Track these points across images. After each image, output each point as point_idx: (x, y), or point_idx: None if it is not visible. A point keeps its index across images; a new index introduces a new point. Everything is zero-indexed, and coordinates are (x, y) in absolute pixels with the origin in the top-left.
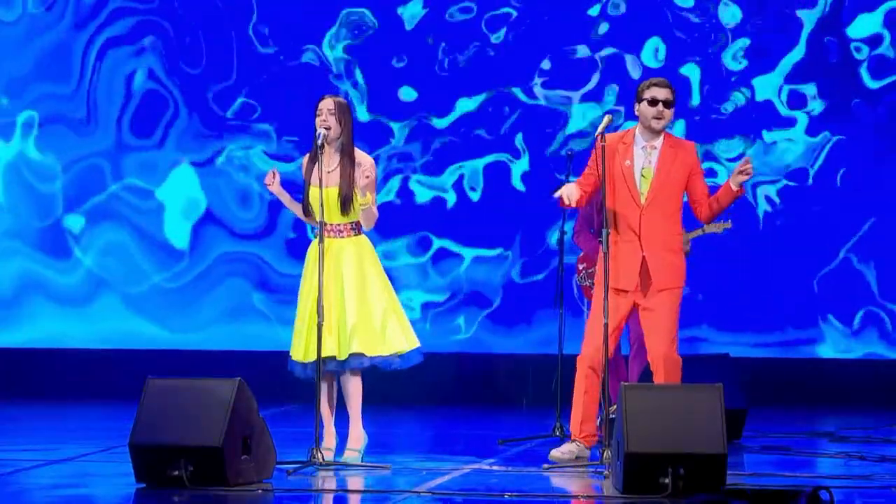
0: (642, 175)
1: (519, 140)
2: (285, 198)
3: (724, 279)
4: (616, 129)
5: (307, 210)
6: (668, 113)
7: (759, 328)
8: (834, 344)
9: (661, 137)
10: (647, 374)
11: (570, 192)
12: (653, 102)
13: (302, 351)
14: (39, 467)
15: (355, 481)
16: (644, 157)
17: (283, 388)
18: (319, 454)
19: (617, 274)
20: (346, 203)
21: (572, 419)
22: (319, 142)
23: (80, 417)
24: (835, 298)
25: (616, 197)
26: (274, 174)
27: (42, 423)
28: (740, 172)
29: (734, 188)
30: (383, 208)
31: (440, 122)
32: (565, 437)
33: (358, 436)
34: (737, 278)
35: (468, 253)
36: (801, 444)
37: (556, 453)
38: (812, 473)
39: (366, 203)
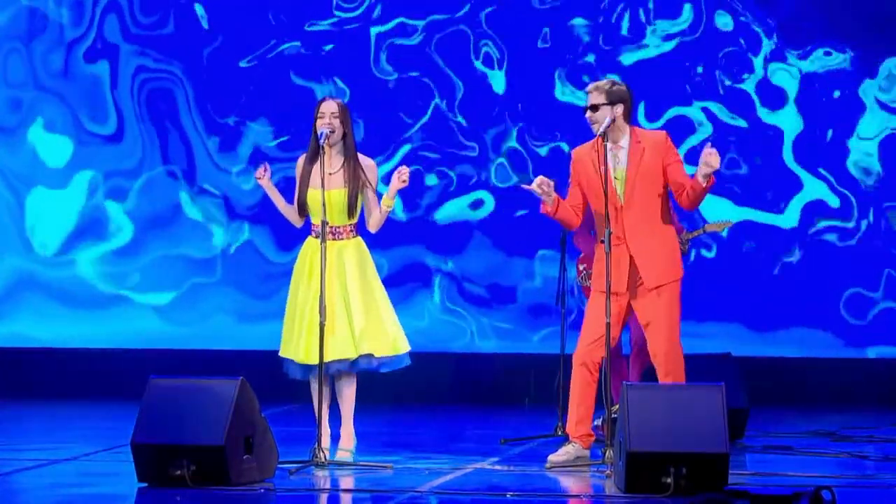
0: (615, 177)
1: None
2: (274, 194)
3: (728, 277)
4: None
5: (304, 210)
6: (597, 116)
7: (761, 327)
8: (836, 343)
9: (627, 136)
10: (647, 374)
11: (543, 184)
12: (585, 111)
13: (303, 352)
14: (41, 467)
15: (358, 481)
16: (613, 159)
17: (284, 387)
18: (322, 454)
19: (608, 277)
20: (353, 206)
21: (568, 420)
22: (322, 141)
23: (81, 417)
24: (838, 297)
25: (597, 203)
26: (265, 168)
27: (43, 422)
28: (705, 164)
29: (701, 182)
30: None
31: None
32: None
33: (349, 436)
34: (740, 276)
35: (469, 251)
36: (803, 444)
37: (553, 458)
38: (814, 473)
39: (390, 206)
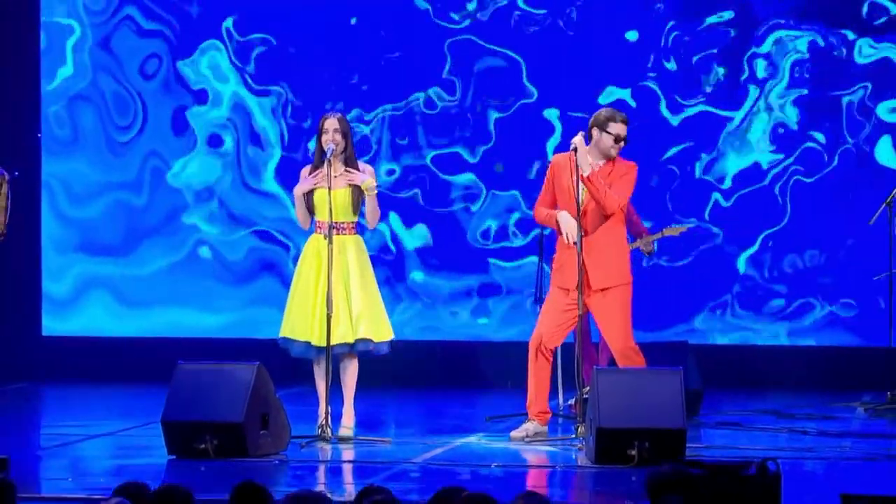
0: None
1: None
2: (302, 203)
3: (686, 272)
4: None
5: (312, 210)
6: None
7: (715, 317)
8: (780, 333)
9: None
10: (615, 359)
11: (570, 230)
12: (617, 139)
13: (313, 334)
14: (85, 441)
15: (360, 452)
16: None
17: (296, 371)
18: (329, 430)
19: (563, 276)
20: (357, 203)
21: (528, 401)
22: (329, 156)
23: (120, 397)
24: (785, 290)
25: (564, 207)
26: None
27: (87, 401)
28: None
29: (582, 173)
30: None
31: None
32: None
33: (351, 415)
34: (698, 270)
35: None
36: (751, 421)
37: (514, 433)
38: (761, 446)
39: (371, 189)
